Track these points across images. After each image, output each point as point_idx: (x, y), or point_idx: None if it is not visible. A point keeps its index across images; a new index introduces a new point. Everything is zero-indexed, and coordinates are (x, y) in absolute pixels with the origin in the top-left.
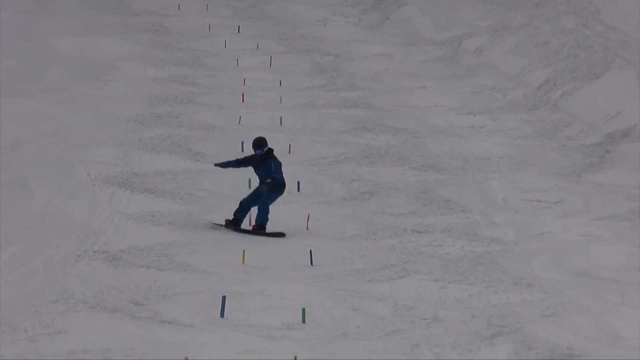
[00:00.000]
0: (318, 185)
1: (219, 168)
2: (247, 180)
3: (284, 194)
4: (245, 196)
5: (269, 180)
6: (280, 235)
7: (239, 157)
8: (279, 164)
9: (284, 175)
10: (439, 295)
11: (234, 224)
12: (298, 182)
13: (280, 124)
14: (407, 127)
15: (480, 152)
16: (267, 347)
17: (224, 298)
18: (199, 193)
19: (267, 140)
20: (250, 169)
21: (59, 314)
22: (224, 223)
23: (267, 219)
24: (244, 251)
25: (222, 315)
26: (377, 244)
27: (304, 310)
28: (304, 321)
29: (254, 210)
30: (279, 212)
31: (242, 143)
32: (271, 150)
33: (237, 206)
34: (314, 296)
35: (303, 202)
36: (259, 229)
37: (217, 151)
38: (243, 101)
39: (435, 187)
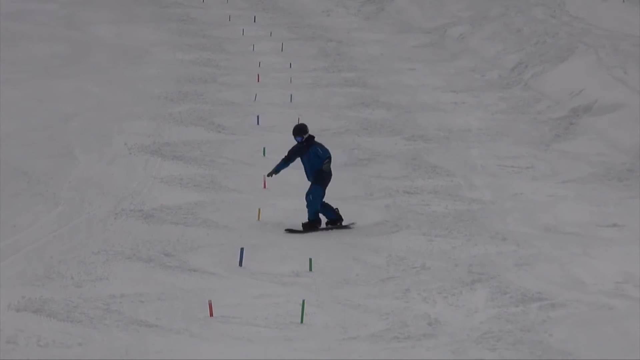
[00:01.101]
0: None
1: (273, 175)
2: (262, 148)
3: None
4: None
5: (327, 161)
6: (348, 226)
7: (283, 156)
8: (326, 149)
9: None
10: (427, 247)
11: (332, 223)
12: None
13: (291, 100)
14: (399, 103)
15: (462, 125)
16: (279, 292)
17: (242, 250)
18: (220, 160)
19: (277, 115)
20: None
21: (100, 264)
22: (301, 228)
23: (315, 215)
24: (259, 209)
25: (240, 264)
26: (373, 203)
27: (310, 260)
28: (310, 269)
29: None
30: (291, 175)
31: (258, 117)
32: (312, 137)
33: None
34: (319, 248)
35: None
36: (307, 224)
37: (236, 124)
38: (258, 81)
39: (423, 155)
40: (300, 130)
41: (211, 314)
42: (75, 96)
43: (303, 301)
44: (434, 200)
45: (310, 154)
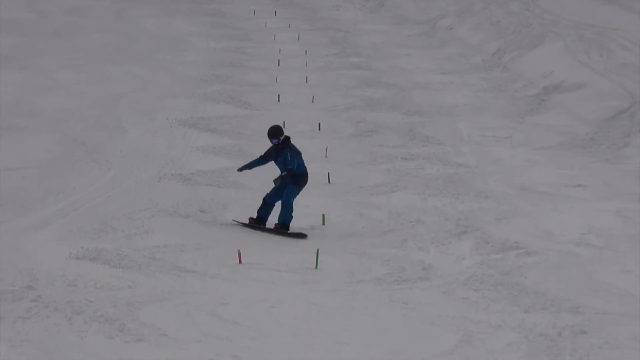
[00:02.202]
0: (333, 126)
1: (245, 171)
2: (283, 121)
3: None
4: (268, 192)
5: (284, 173)
6: (302, 236)
7: (262, 154)
8: (295, 153)
9: (305, 164)
10: (421, 204)
11: (257, 222)
12: (319, 124)
13: (306, 81)
14: (397, 83)
15: (451, 102)
16: (297, 242)
17: None
18: (246, 131)
19: (294, 93)
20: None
21: (146, 219)
22: (247, 221)
23: (291, 217)
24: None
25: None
26: (376, 168)
27: (323, 215)
28: (323, 223)
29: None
30: (305, 148)
31: (278, 95)
32: (288, 138)
33: (261, 203)
34: (331, 205)
35: (322, 138)
36: (282, 227)
37: (260, 101)
38: (279, 65)
39: (418, 127)
40: (274, 133)
41: (240, 261)
42: (124, 78)
43: (317, 250)
44: (427, 165)
45: (282, 156)
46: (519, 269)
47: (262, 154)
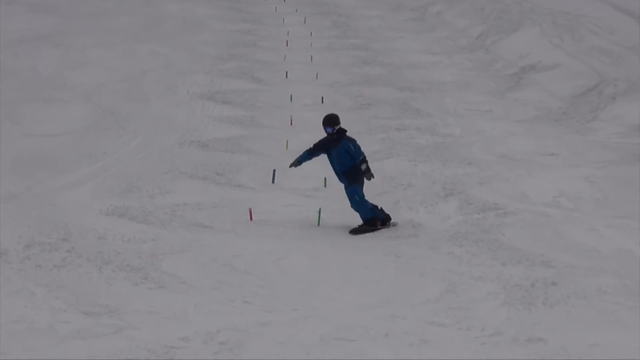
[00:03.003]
0: (335, 100)
1: (295, 167)
2: (289, 95)
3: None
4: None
5: (364, 167)
6: (389, 224)
7: (308, 148)
8: (358, 146)
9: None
10: (412, 169)
11: (382, 223)
12: (322, 98)
13: (311, 60)
14: (392, 62)
15: (439, 79)
16: (302, 202)
17: (274, 171)
18: (258, 104)
19: (300, 70)
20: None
21: (168, 180)
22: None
23: (371, 213)
24: (287, 141)
25: (273, 182)
26: (372, 137)
27: (325, 179)
28: (325, 186)
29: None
30: (309, 119)
31: (286, 72)
32: (344, 130)
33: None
34: (332, 170)
35: (324, 110)
36: (368, 224)
37: (270, 77)
38: (287, 45)
39: (410, 101)
40: (331, 120)
41: (251, 218)
42: (149, 56)
43: (319, 209)
44: (418, 134)
45: (340, 149)
46: (497, 227)
47: (310, 147)
